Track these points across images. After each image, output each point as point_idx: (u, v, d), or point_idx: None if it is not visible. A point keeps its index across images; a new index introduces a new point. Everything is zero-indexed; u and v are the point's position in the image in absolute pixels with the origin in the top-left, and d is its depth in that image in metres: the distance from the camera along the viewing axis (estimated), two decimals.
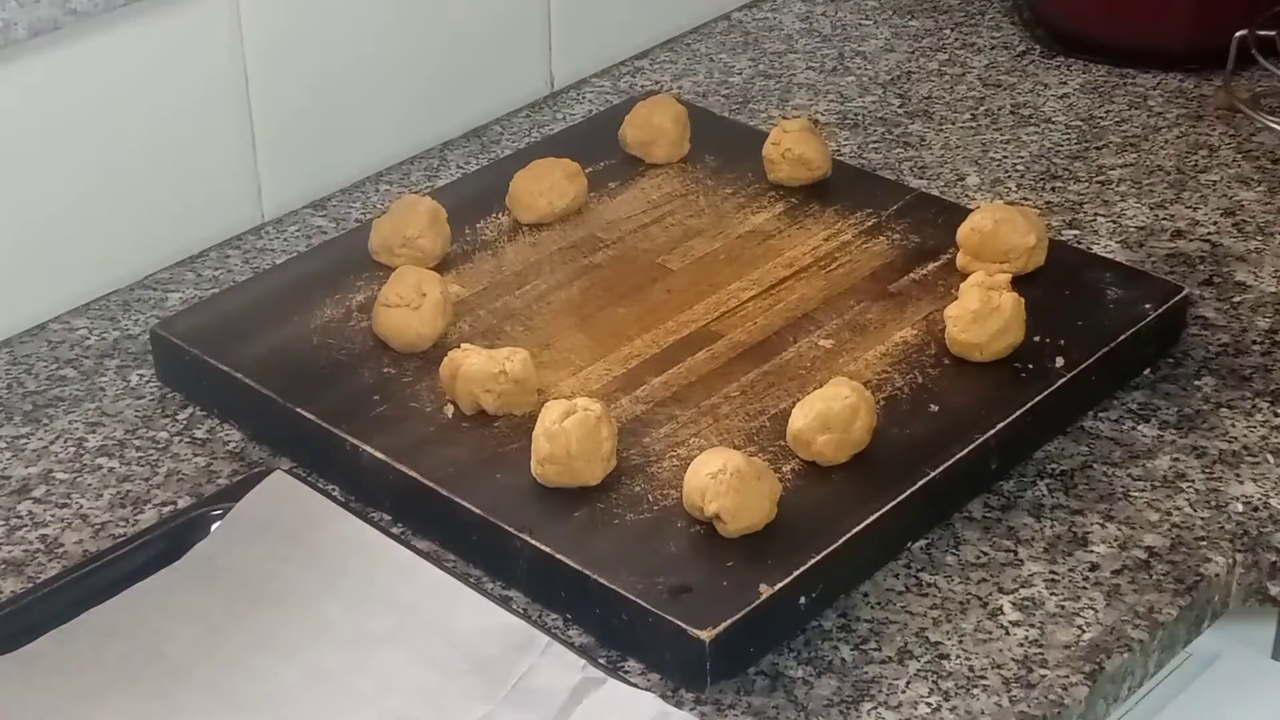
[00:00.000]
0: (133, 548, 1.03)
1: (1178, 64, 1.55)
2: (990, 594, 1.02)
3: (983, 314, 1.11)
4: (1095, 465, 1.11)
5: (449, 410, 1.10)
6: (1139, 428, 1.14)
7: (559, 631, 0.99)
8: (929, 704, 0.95)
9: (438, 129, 1.46)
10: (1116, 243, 1.32)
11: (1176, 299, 1.19)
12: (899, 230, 1.26)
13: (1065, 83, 1.54)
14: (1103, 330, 1.15)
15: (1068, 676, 0.96)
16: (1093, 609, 1.00)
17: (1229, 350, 1.21)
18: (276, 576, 1.01)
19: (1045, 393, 1.10)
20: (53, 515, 1.08)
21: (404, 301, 1.14)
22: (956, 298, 1.14)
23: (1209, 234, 1.33)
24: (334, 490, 1.08)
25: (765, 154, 1.32)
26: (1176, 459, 1.11)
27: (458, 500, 1.03)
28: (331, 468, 1.10)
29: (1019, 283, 1.16)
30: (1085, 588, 1.02)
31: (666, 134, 1.35)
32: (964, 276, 1.17)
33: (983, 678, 0.96)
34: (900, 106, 1.51)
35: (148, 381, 1.20)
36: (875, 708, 0.95)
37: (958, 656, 0.98)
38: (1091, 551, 1.05)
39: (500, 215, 1.29)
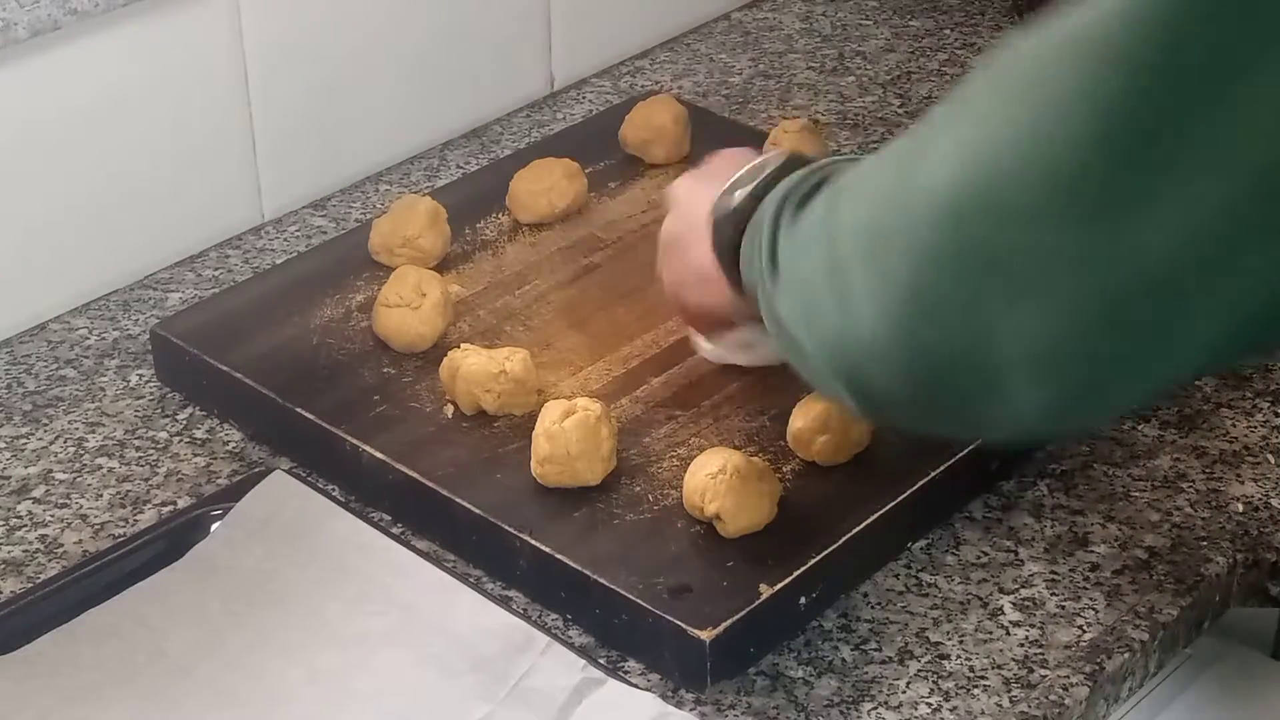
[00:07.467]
0: (133, 548, 1.03)
1: None
2: (990, 594, 1.02)
3: None
4: (1095, 465, 1.11)
5: (449, 410, 1.10)
6: (1139, 428, 1.14)
7: (559, 631, 0.99)
8: (929, 704, 0.95)
9: (438, 129, 1.46)
10: None
11: None
12: None
13: None
14: None
15: (1068, 676, 0.96)
16: (1093, 609, 1.00)
17: None
18: (276, 576, 1.01)
19: None
20: (52, 515, 1.08)
21: (404, 301, 1.14)
22: None
23: None
24: (334, 490, 1.08)
25: None
26: (1177, 459, 1.11)
27: (457, 500, 1.03)
28: (331, 468, 1.10)
29: None
30: (1086, 588, 1.02)
31: (666, 134, 1.35)
32: None
33: (983, 678, 0.96)
34: (900, 106, 1.51)
35: (148, 381, 1.19)
36: (875, 708, 0.95)
37: (958, 657, 0.97)
38: (1092, 551, 1.04)
39: (500, 215, 1.29)
